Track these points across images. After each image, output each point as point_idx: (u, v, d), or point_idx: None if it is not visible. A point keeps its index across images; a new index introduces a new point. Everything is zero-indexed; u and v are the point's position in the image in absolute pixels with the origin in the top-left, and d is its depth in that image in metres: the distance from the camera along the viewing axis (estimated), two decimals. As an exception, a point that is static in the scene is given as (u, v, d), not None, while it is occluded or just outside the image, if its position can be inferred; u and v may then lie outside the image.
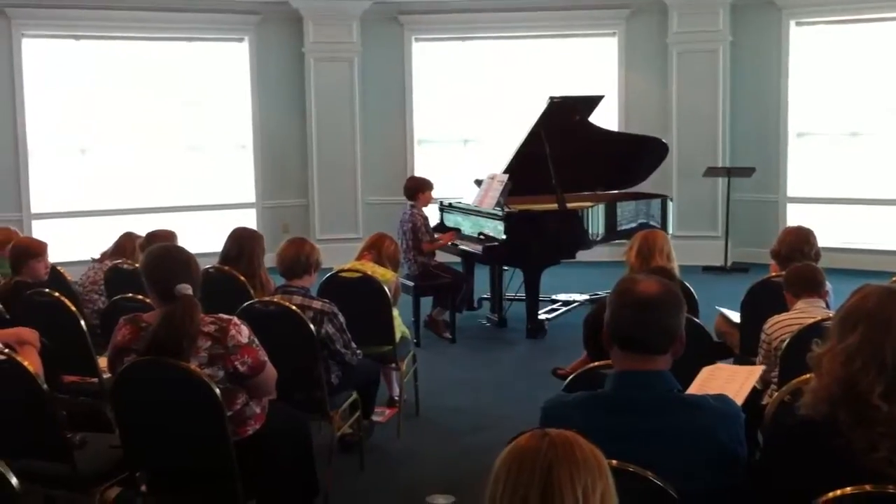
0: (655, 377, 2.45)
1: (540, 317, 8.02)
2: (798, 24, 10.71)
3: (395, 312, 5.63)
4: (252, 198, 11.39)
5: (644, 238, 5.09)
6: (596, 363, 3.27)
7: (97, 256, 6.23)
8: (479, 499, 1.78)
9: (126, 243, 6.19)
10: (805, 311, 4.20)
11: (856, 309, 2.29)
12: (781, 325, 4.15)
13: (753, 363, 4.44)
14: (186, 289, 3.44)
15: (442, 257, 8.31)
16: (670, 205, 8.82)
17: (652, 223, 8.35)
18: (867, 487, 2.09)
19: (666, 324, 2.46)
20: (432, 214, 8.32)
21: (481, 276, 8.65)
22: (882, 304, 2.25)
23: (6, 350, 3.57)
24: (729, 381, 3.24)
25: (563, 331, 7.80)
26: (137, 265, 5.77)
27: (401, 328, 5.80)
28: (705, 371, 3.33)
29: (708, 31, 10.78)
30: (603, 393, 2.49)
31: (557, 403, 2.55)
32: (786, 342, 3.93)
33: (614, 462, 2.16)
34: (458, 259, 8.63)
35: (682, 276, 4.97)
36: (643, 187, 8.96)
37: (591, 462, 1.74)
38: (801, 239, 5.00)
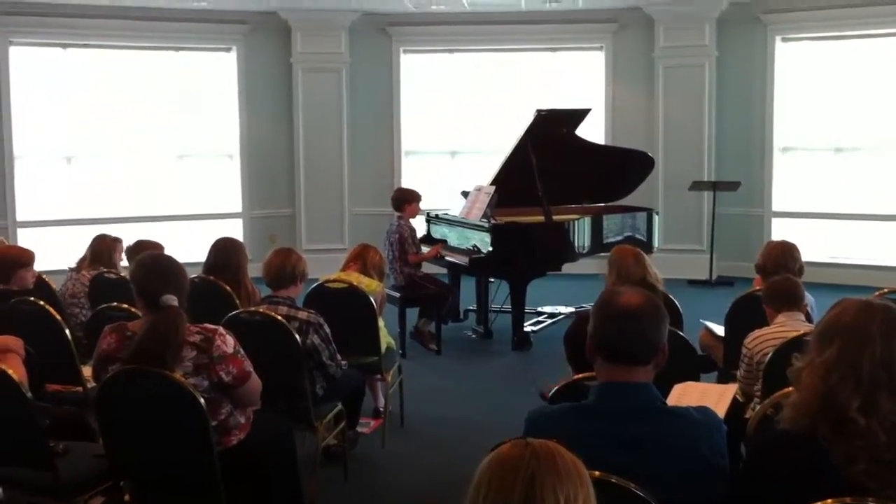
0: (639, 388, 2.46)
1: (525, 329, 8.04)
2: (784, 39, 10.80)
3: (381, 323, 5.63)
4: (239, 208, 11.40)
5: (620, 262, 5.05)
6: (579, 375, 3.28)
7: (74, 266, 6.17)
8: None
9: (101, 248, 6.10)
10: (786, 326, 4.22)
11: (833, 323, 2.31)
12: (763, 340, 4.17)
13: (735, 377, 4.47)
14: (172, 300, 3.44)
15: (428, 268, 8.31)
16: (656, 218, 8.85)
17: (637, 236, 8.39)
18: (847, 500, 2.11)
19: (649, 335, 2.48)
20: (419, 226, 8.33)
21: (467, 287, 8.66)
22: (859, 318, 2.27)
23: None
24: (700, 399, 3.25)
25: (548, 343, 7.82)
26: (116, 271, 5.80)
27: (387, 339, 5.81)
28: (677, 389, 3.35)
29: (694, 46, 10.86)
30: (587, 404, 2.50)
31: (541, 414, 2.56)
32: (768, 356, 3.95)
33: (597, 473, 2.18)
34: (444, 270, 8.64)
35: (667, 290, 4.99)
36: (629, 201, 8.99)
37: (572, 471, 1.75)
38: (786, 253, 5.01)
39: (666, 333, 2.53)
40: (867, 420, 2.17)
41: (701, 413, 2.48)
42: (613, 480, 2.22)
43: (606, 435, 2.38)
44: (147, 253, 3.98)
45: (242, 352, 3.57)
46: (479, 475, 1.76)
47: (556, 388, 4.82)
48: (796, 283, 4.50)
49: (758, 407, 3.60)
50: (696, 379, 4.28)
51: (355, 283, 5.64)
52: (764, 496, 2.24)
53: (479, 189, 8.18)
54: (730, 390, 3.68)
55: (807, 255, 5.25)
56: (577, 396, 2.69)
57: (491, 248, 7.67)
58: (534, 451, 1.75)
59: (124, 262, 6.27)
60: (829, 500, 2.11)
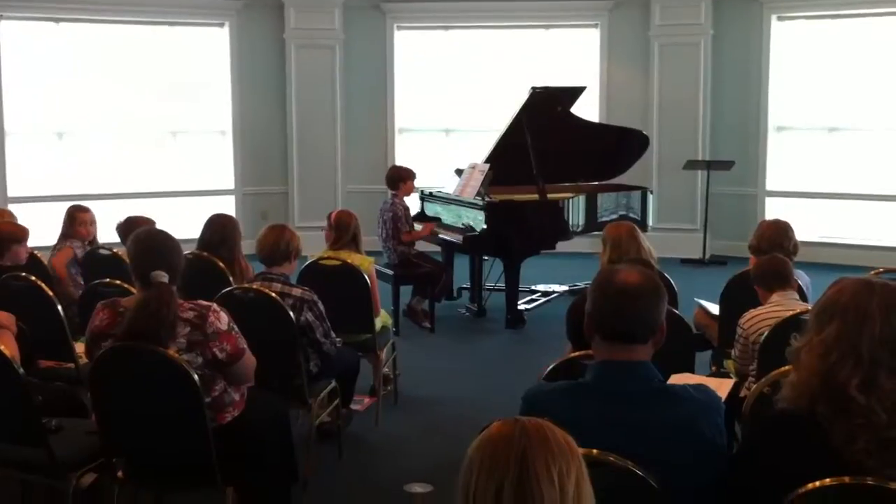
0: (637, 367, 2.44)
1: (519, 307, 8.03)
2: (779, 18, 10.76)
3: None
4: (231, 184, 11.35)
5: (614, 238, 4.98)
6: (577, 353, 3.27)
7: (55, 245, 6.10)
8: (455, 488, 1.78)
9: (79, 229, 6.06)
10: (781, 305, 4.22)
11: (832, 302, 2.30)
12: (758, 320, 4.16)
13: (730, 356, 4.48)
14: (161, 276, 3.41)
15: (422, 246, 8.30)
16: (650, 197, 8.84)
17: (631, 215, 8.36)
18: (846, 479, 2.10)
19: (647, 313, 2.46)
20: (413, 204, 8.30)
21: (461, 265, 8.65)
22: (857, 297, 2.26)
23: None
24: None
25: (542, 321, 7.82)
26: (95, 245, 5.75)
27: (384, 318, 5.80)
28: (674, 379, 3.34)
29: (690, 25, 10.82)
30: (584, 382, 2.49)
31: (539, 393, 2.54)
32: (763, 336, 3.95)
33: (595, 451, 2.17)
34: (438, 248, 8.63)
35: (661, 268, 4.97)
36: (623, 179, 8.97)
37: (563, 447, 1.74)
38: (780, 232, 5.00)
39: (664, 312, 2.51)
40: (867, 398, 2.16)
41: (699, 391, 2.47)
42: (612, 459, 2.21)
43: (604, 414, 2.37)
44: (144, 228, 3.94)
45: (236, 328, 3.56)
46: (471, 456, 1.75)
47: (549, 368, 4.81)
48: (784, 261, 4.49)
49: (753, 386, 3.60)
50: (692, 357, 4.29)
51: (348, 261, 5.62)
52: (762, 476, 2.23)
53: (473, 167, 8.15)
54: (726, 384, 3.68)
55: (801, 235, 5.22)
56: (574, 374, 2.67)
57: (485, 226, 7.65)
58: (524, 428, 1.74)
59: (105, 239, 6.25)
60: (828, 480, 2.10)
